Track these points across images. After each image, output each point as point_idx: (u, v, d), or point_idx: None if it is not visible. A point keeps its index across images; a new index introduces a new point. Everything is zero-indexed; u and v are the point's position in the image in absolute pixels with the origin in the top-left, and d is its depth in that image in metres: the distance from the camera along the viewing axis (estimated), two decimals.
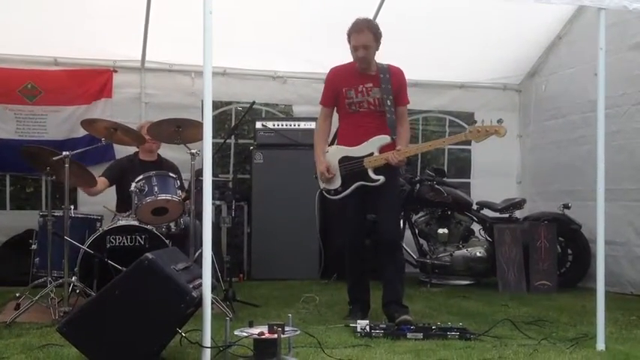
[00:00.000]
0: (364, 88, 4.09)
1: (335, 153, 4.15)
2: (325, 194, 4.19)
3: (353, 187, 4.05)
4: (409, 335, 3.52)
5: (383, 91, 4.05)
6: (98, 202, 5.11)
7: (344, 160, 4.09)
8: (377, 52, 4.14)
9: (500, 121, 4.01)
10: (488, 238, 5.93)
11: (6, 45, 5.67)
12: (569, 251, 5.91)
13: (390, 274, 4.08)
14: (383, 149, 4.05)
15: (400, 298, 4.06)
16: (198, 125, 4.12)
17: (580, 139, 5.95)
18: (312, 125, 6.24)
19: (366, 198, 4.10)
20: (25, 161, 4.48)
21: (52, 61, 6.03)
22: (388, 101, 4.05)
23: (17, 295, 4.23)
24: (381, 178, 4.01)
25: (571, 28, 6.29)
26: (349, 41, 4.10)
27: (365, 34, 4.00)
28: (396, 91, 4.09)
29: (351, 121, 4.14)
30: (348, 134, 4.16)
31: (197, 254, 4.04)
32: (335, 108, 4.24)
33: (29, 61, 5.97)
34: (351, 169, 4.07)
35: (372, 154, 4.05)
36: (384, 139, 4.06)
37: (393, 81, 4.08)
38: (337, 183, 4.10)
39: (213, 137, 3.13)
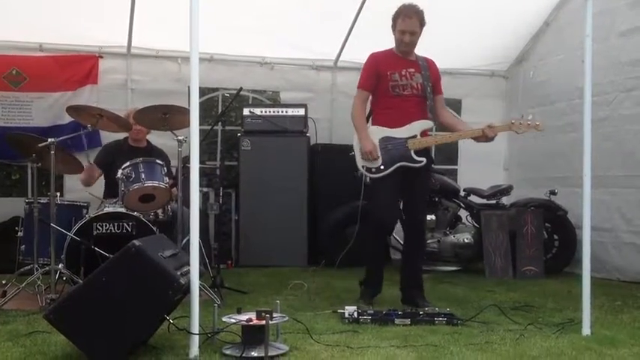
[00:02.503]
0: (407, 72, 4.15)
1: (375, 133, 4.13)
2: (365, 172, 4.12)
3: (395, 166, 4.05)
4: (397, 321, 3.55)
5: (424, 78, 4.15)
6: (84, 188, 5.07)
7: (385, 140, 4.09)
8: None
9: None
10: (476, 225, 5.96)
11: None
12: (556, 237, 5.96)
13: (416, 257, 4.30)
14: (424, 133, 4.14)
15: (422, 284, 4.24)
16: (184, 112, 4.09)
17: (568, 127, 5.98)
18: (299, 112, 6.26)
19: (403, 181, 4.10)
20: (11, 148, 4.44)
21: (37, 46, 5.95)
22: (428, 88, 4.15)
23: (3, 282, 4.20)
24: (424, 160, 4.07)
25: (558, 14, 6.30)
26: (394, 25, 4.14)
27: (413, 20, 4.09)
28: (434, 80, 4.21)
29: (393, 104, 4.14)
30: (389, 116, 4.15)
31: (184, 241, 4.02)
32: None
33: (14, 47, 5.89)
34: (393, 149, 4.07)
35: (415, 136, 4.08)
36: (427, 123, 4.13)
37: (431, 70, 4.21)
38: (378, 162, 4.08)
39: (200, 124, 3.11)
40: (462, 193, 6.10)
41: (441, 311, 3.70)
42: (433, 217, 5.87)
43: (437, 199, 5.96)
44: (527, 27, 6.54)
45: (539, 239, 5.75)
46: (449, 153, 7.45)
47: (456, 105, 7.12)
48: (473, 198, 6.11)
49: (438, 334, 3.32)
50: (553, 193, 5.83)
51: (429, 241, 5.84)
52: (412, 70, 4.15)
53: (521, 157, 6.84)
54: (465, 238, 5.87)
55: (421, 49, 6.32)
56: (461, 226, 6.01)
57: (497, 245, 5.73)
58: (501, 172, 7.02)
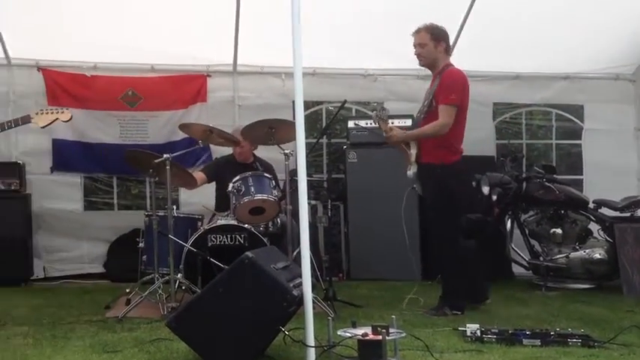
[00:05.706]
0: (427, 91, 4.41)
1: None
2: None
3: (416, 186, 4.42)
4: (525, 341, 3.30)
5: (430, 92, 4.29)
6: (197, 202, 5.20)
7: None
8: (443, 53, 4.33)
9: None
10: (609, 239, 5.45)
11: (106, 54, 5.90)
12: None
13: None
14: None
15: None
16: (290, 125, 4.06)
17: None
18: (406, 122, 6.08)
19: None
20: (130, 164, 4.63)
21: (149, 68, 6.20)
22: (427, 101, 4.26)
23: (127, 290, 4.39)
24: (409, 174, 4.34)
25: None
26: None
27: (420, 34, 4.33)
28: (437, 91, 4.20)
29: None
30: None
31: (295, 253, 4.00)
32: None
33: (128, 68, 6.16)
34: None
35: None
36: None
37: (439, 81, 4.22)
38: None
39: (306, 137, 3.06)
40: (592, 205, 5.62)
41: (574, 332, 3.39)
42: (559, 230, 5.43)
43: (562, 212, 5.52)
44: None
45: None
46: (573, 162, 6.94)
47: (578, 111, 6.66)
48: (604, 210, 5.60)
49: (572, 357, 3.05)
50: None
51: (556, 257, 5.43)
52: (429, 88, 4.36)
53: None
54: (598, 253, 5.36)
55: (537, 52, 5.99)
56: (592, 241, 5.51)
57: (635, 260, 5.18)
58: (635, 183, 6.42)
